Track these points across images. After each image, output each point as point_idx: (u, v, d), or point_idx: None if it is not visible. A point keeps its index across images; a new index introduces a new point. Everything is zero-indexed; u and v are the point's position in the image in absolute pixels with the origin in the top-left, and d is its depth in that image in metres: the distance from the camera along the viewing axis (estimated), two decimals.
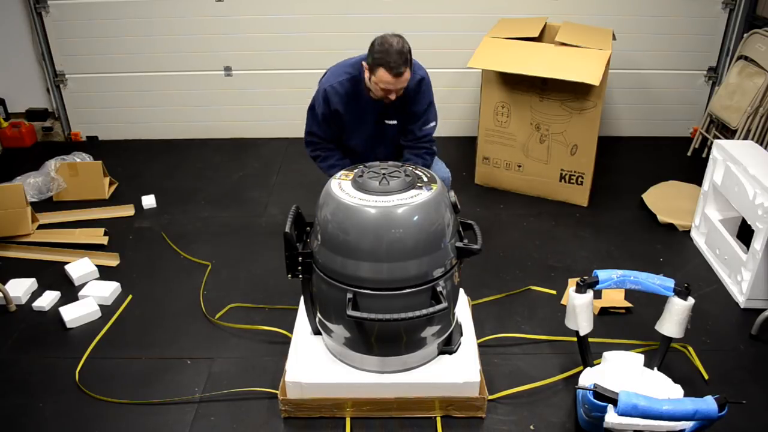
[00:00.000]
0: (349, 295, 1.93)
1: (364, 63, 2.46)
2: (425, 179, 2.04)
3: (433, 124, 2.69)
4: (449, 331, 2.17)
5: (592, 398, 1.81)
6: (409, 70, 2.39)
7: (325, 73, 2.67)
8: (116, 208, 3.53)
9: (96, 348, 2.50)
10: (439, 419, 2.14)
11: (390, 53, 2.32)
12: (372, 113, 2.62)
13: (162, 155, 4.28)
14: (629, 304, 2.68)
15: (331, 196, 1.96)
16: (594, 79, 3.07)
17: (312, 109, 2.65)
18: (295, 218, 2.08)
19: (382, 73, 2.36)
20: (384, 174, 1.99)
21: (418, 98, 2.58)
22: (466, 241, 2.07)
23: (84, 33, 4.16)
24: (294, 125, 4.44)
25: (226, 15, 4.11)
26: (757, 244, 2.57)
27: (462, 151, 4.16)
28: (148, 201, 3.59)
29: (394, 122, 2.67)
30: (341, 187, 1.99)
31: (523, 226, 3.37)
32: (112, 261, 3.06)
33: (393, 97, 2.46)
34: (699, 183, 3.24)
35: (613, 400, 1.75)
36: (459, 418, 2.15)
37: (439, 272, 1.97)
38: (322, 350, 2.23)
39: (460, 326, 2.29)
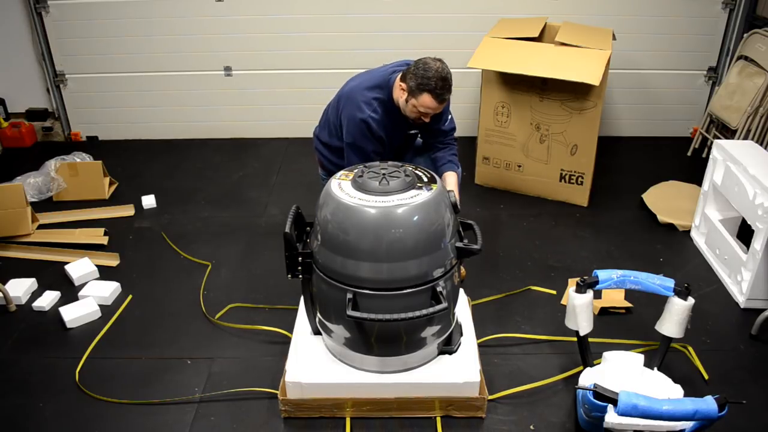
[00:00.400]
0: (349, 296, 1.93)
1: (401, 84, 2.44)
2: (425, 179, 2.04)
3: (451, 116, 2.73)
4: (449, 331, 2.17)
5: (592, 398, 1.81)
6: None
7: (346, 103, 2.56)
8: (116, 208, 3.53)
9: (96, 348, 2.50)
10: (439, 419, 2.14)
11: (436, 79, 2.34)
12: (402, 128, 2.65)
13: (162, 155, 4.28)
14: (629, 304, 2.68)
15: (331, 196, 1.96)
16: (594, 79, 3.07)
17: (353, 147, 2.56)
18: (295, 218, 2.09)
19: (427, 99, 2.37)
20: (384, 174, 1.99)
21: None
22: (466, 241, 2.07)
23: (84, 33, 4.16)
24: (294, 125, 4.45)
25: (226, 15, 4.11)
26: (757, 244, 2.57)
27: (462, 151, 4.12)
28: (148, 201, 3.59)
29: (416, 131, 2.73)
30: (341, 187, 1.99)
31: (523, 226, 3.37)
32: (112, 261, 3.06)
33: (427, 119, 2.48)
34: (699, 183, 3.24)
35: (613, 400, 1.75)
36: (459, 418, 2.15)
37: (439, 272, 1.97)
38: (322, 350, 2.23)
39: (460, 326, 2.29)
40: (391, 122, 2.56)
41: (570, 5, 4.05)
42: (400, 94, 2.47)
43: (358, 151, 2.56)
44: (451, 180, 2.64)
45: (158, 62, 4.27)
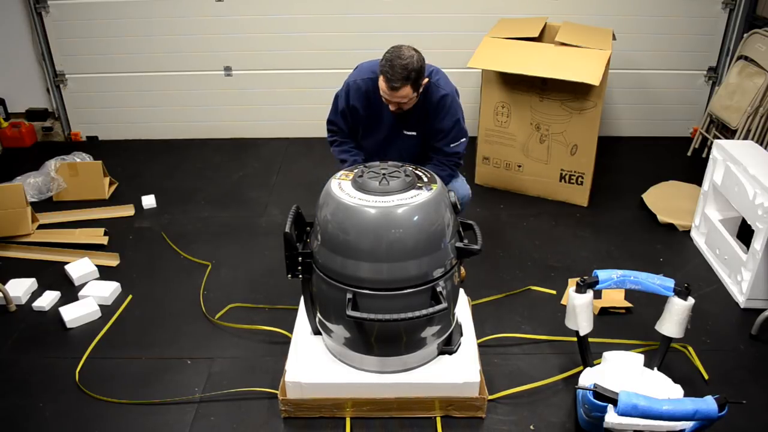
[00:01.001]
0: (349, 296, 1.93)
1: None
2: (425, 179, 2.04)
3: (463, 140, 2.58)
4: (449, 332, 2.17)
5: (592, 398, 1.81)
6: (408, 89, 2.31)
7: (355, 69, 2.62)
8: (116, 208, 3.53)
9: (96, 348, 2.50)
10: (439, 419, 2.14)
11: (394, 65, 2.27)
12: (389, 119, 2.57)
13: (162, 155, 4.28)
14: (629, 304, 2.68)
15: (331, 196, 1.96)
16: (594, 79, 3.07)
17: (336, 98, 2.61)
18: (295, 218, 2.09)
19: (382, 82, 2.34)
20: (384, 174, 1.99)
21: (440, 115, 2.50)
22: (466, 241, 2.07)
23: (84, 33, 4.16)
24: (294, 125, 4.46)
25: (226, 15, 4.11)
26: (757, 244, 2.57)
27: None
28: (148, 201, 3.59)
29: (414, 134, 2.59)
30: (341, 187, 1.99)
31: (523, 226, 3.37)
32: (112, 261, 3.06)
33: (393, 108, 2.42)
34: (699, 183, 3.24)
35: (613, 400, 1.75)
36: (459, 418, 2.15)
37: (439, 272, 1.97)
38: (322, 350, 2.23)
39: (460, 326, 2.29)
40: (377, 104, 2.52)
41: (570, 5, 4.05)
42: None
43: (334, 106, 2.62)
44: None
45: (158, 62, 4.27)
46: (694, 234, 3.20)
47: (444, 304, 1.92)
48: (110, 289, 2.79)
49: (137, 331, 2.61)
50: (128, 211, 3.53)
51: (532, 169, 3.61)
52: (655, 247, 3.16)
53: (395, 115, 2.53)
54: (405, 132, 2.60)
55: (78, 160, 3.83)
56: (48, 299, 2.75)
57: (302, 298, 2.29)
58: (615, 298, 2.69)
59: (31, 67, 4.29)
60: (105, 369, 2.40)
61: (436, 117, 2.51)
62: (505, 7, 4.04)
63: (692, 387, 2.26)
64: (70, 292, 2.84)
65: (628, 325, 2.60)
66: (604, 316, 2.64)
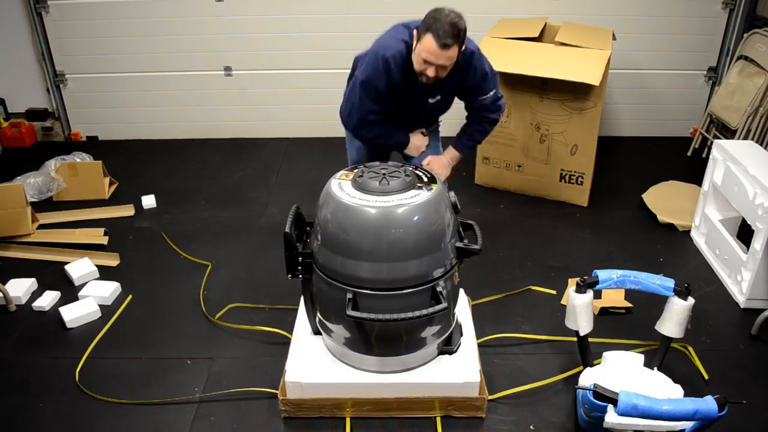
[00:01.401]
0: (349, 295, 1.93)
1: (415, 31, 2.27)
2: (425, 179, 2.04)
3: (491, 93, 2.48)
4: (449, 331, 2.17)
5: (592, 398, 1.81)
6: (456, 48, 2.19)
7: (378, 41, 2.41)
8: (116, 208, 3.53)
9: (96, 348, 2.50)
10: (439, 419, 2.14)
11: (442, 22, 2.14)
12: (421, 87, 2.40)
13: (162, 155, 4.28)
14: (629, 304, 2.68)
15: (331, 196, 1.96)
16: (594, 79, 3.07)
17: (366, 84, 2.35)
18: (295, 218, 2.09)
19: (429, 40, 2.16)
20: (384, 174, 1.99)
21: (469, 74, 2.40)
22: (466, 241, 2.07)
23: (84, 33, 4.17)
24: (294, 125, 4.46)
25: (226, 15, 4.11)
26: (757, 244, 2.57)
27: None
28: (148, 201, 3.59)
29: (438, 97, 2.49)
30: (341, 187, 1.99)
31: (523, 226, 3.37)
32: (112, 261, 3.06)
33: (431, 74, 2.24)
34: (699, 183, 3.24)
35: (613, 400, 1.75)
36: (459, 418, 2.15)
37: (439, 272, 1.97)
38: (322, 350, 2.23)
39: (460, 326, 2.29)
40: (410, 72, 2.34)
41: (570, 5, 4.05)
42: (414, 44, 2.28)
43: (367, 93, 2.36)
44: (445, 153, 2.64)
45: (158, 62, 4.27)
46: (694, 234, 3.20)
47: (444, 304, 1.92)
48: (110, 289, 2.79)
49: (137, 331, 2.61)
50: (128, 211, 3.53)
51: (532, 169, 3.61)
52: (655, 247, 3.16)
53: (425, 83, 2.36)
54: (430, 100, 2.50)
55: (78, 160, 3.83)
56: (48, 299, 2.75)
57: (302, 298, 2.28)
58: (615, 298, 2.69)
59: (31, 67, 4.29)
60: (105, 369, 2.40)
61: (465, 76, 2.41)
62: (505, 7, 4.04)
63: (692, 387, 2.26)
64: (70, 292, 2.84)
65: (628, 325, 2.60)
66: (604, 316, 2.64)
